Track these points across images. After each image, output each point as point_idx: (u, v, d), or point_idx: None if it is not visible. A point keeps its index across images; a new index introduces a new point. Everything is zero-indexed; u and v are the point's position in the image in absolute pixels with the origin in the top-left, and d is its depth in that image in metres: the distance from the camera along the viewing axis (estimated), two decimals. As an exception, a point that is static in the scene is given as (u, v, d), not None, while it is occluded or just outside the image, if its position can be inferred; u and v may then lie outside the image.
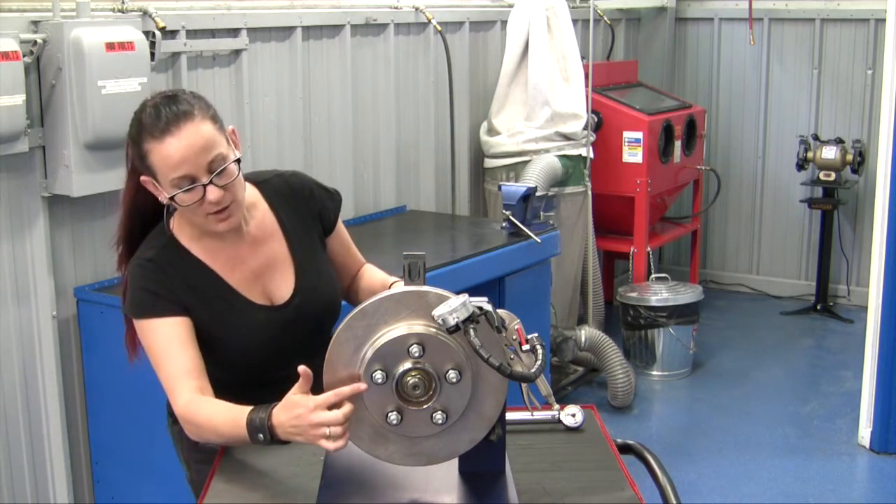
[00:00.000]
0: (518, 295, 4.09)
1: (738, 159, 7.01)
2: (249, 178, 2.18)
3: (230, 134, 2.06)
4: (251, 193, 2.16)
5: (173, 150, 1.93)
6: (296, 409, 1.77)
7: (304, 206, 2.21)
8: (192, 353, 2.01)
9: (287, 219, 2.19)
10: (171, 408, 2.08)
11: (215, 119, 2.01)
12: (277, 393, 1.85)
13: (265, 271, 2.14)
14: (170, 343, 2.00)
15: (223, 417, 1.90)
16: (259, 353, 2.10)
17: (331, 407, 1.73)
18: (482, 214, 5.41)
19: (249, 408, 1.86)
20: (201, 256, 2.09)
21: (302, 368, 1.79)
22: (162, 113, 1.95)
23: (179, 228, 2.10)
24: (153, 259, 2.05)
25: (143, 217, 2.13)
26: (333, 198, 2.29)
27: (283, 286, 2.15)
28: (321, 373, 1.78)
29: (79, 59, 3.09)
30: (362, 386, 1.71)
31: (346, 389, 1.72)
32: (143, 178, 2.02)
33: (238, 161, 2.01)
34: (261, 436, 1.82)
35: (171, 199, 1.97)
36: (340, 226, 2.31)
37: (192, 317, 2.03)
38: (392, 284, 2.19)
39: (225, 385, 2.03)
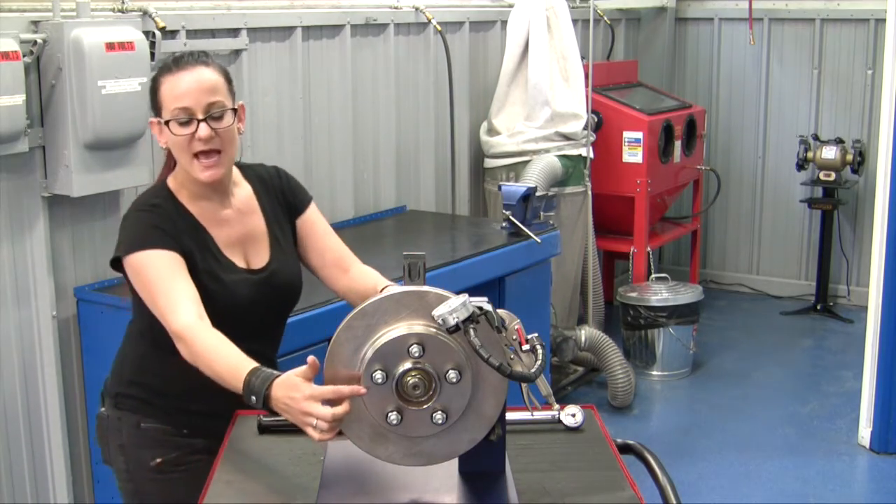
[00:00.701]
0: (518, 295, 4.09)
1: (738, 159, 7.01)
2: (236, 164, 2.35)
3: (240, 108, 2.25)
4: (236, 174, 2.35)
5: (180, 82, 2.14)
6: (293, 390, 1.79)
7: (276, 192, 2.38)
8: (194, 286, 2.11)
9: (265, 201, 2.36)
10: (114, 389, 2.31)
11: (227, 79, 2.23)
12: None
13: (246, 240, 2.30)
14: (175, 271, 2.10)
15: (226, 359, 1.96)
16: (234, 313, 2.20)
17: (327, 402, 1.75)
18: (482, 214, 5.41)
19: (252, 363, 1.91)
20: (195, 213, 2.24)
21: (311, 358, 1.80)
22: (185, 56, 2.20)
23: (175, 188, 2.25)
24: (158, 205, 2.20)
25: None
26: (305, 192, 2.45)
27: (259, 256, 2.31)
28: (265, 357, 2.03)
29: (79, 59, 3.09)
30: (362, 390, 1.72)
31: (345, 390, 1.73)
32: (150, 119, 2.22)
33: (235, 112, 2.21)
34: (253, 398, 1.86)
35: (167, 123, 2.14)
36: (316, 213, 2.44)
37: (188, 263, 2.15)
38: (383, 289, 2.20)
39: None
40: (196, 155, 2.16)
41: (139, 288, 2.15)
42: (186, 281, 2.11)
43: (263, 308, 2.29)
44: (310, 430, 1.77)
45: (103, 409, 2.38)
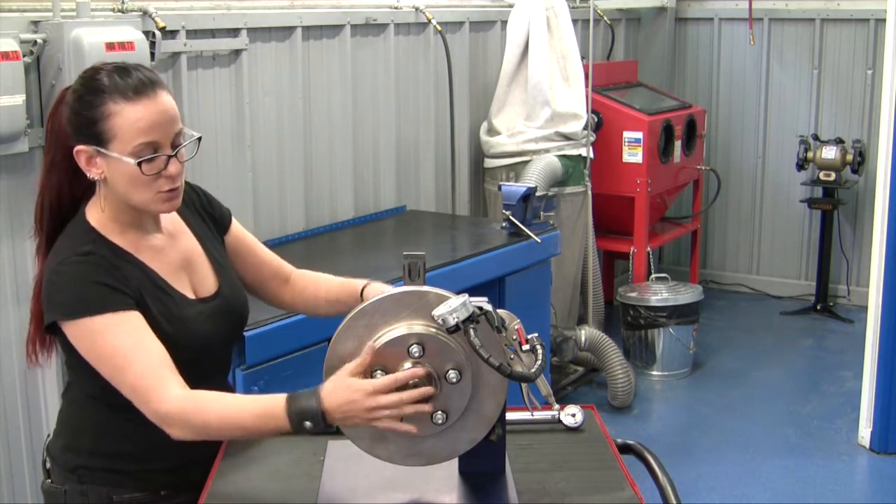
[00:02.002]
0: (518, 295, 4.09)
1: (738, 159, 7.01)
2: None
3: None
4: None
5: (146, 113, 1.85)
6: (349, 394, 1.71)
7: (199, 209, 2.15)
8: (162, 346, 1.86)
9: (191, 220, 2.13)
10: (72, 462, 2.00)
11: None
12: None
13: (186, 266, 2.05)
14: (141, 336, 1.84)
15: (245, 409, 1.79)
16: (196, 352, 1.97)
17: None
18: (482, 214, 5.41)
19: (276, 396, 1.76)
20: (130, 249, 1.95)
21: (369, 346, 1.73)
22: (133, 76, 1.87)
23: (100, 224, 1.95)
24: (93, 252, 1.89)
25: (61, 206, 2.00)
26: (223, 206, 2.22)
27: (205, 281, 2.07)
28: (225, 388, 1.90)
29: (79, 59, 3.08)
30: (420, 371, 1.70)
31: (402, 375, 1.70)
32: (78, 147, 1.88)
33: (199, 140, 1.95)
34: (308, 423, 1.72)
35: (139, 164, 1.84)
36: (238, 226, 2.23)
37: (141, 311, 1.90)
38: (364, 288, 2.11)
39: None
40: (158, 191, 1.90)
41: (93, 358, 1.85)
42: (155, 342, 1.84)
43: (221, 339, 2.07)
44: (387, 423, 1.71)
45: (51, 481, 2.07)
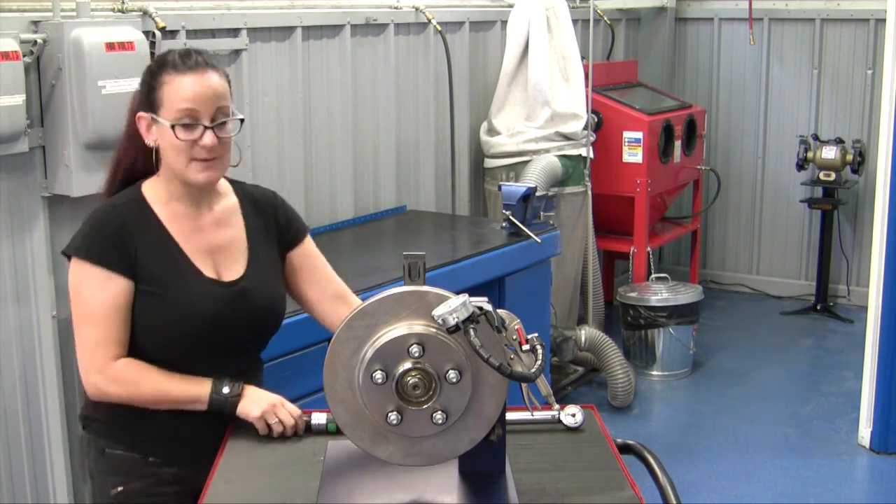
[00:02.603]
0: (518, 295, 4.09)
1: (738, 159, 7.01)
2: (228, 179, 2.28)
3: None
4: (225, 186, 2.26)
5: (190, 84, 2.05)
6: (268, 396, 2.10)
7: (268, 216, 2.28)
8: (126, 327, 2.08)
9: (252, 219, 2.26)
10: (82, 410, 2.23)
11: (229, 84, 2.15)
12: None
13: (220, 250, 2.19)
14: (117, 303, 2.07)
15: (172, 377, 2.08)
16: (195, 326, 2.10)
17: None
18: (482, 214, 5.41)
19: (203, 389, 2.09)
20: (164, 219, 2.14)
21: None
22: (192, 55, 2.10)
23: (150, 188, 2.17)
24: (118, 206, 2.13)
25: (133, 174, 2.21)
26: (300, 221, 2.36)
27: (233, 268, 2.19)
28: (248, 373, 2.14)
29: (79, 59, 3.09)
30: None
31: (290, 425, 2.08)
32: (139, 114, 2.11)
33: (241, 121, 2.13)
34: (226, 389, 2.07)
35: (172, 128, 2.04)
36: (311, 246, 2.34)
37: (137, 278, 2.08)
38: None
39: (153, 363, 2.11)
40: (193, 158, 2.08)
41: (72, 297, 2.11)
42: (122, 320, 2.07)
43: (231, 323, 2.14)
44: (274, 424, 2.05)
45: (85, 420, 2.27)
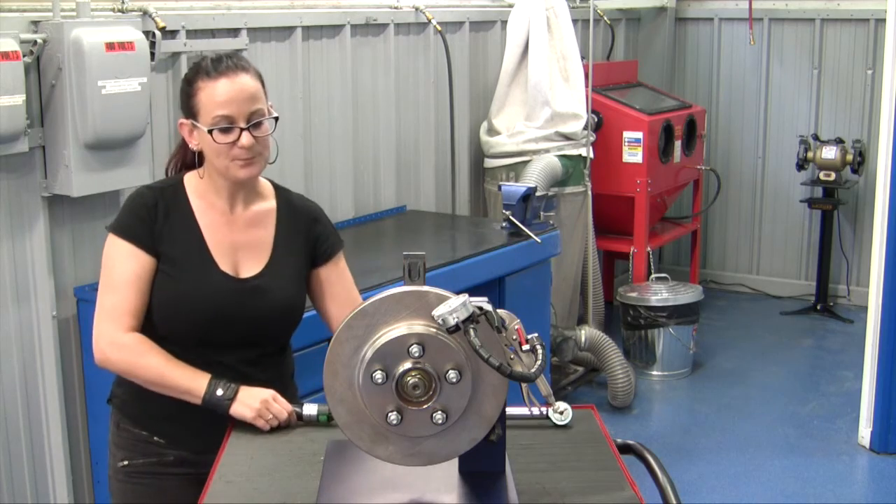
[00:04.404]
0: (518, 295, 4.09)
1: (738, 159, 7.01)
2: (273, 183, 2.36)
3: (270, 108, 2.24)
4: (267, 189, 2.33)
5: (223, 90, 2.12)
6: (260, 393, 2.10)
7: (303, 226, 2.32)
8: (143, 301, 2.17)
9: (283, 223, 2.30)
10: (114, 385, 2.31)
11: (263, 85, 2.21)
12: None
13: (243, 249, 2.25)
14: (139, 278, 2.16)
15: (175, 364, 2.12)
16: (198, 315, 2.18)
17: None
18: (482, 214, 5.42)
19: (200, 382, 2.12)
20: (196, 209, 2.23)
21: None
22: (223, 60, 2.16)
23: (191, 179, 2.26)
24: (155, 188, 2.24)
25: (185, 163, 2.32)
26: (336, 238, 2.38)
27: (252, 266, 2.25)
28: (255, 374, 2.17)
29: (79, 59, 3.09)
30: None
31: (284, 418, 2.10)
32: (180, 121, 2.20)
33: (276, 119, 2.20)
34: (220, 392, 2.09)
35: (210, 132, 2.11)
36: (342, 264, 2.37)
37: (160, 258, 2.17)
38: None
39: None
40: (233, 158, 2.15)
41: (102, 267, 2.20)
42: (140, 291, 2.16)
43: (233, 320, 2.20)
44: (264, 415, 2.07)
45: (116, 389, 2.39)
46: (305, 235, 2.31)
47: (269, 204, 2.30)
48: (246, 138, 2.12)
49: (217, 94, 2.12)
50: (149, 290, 2.17)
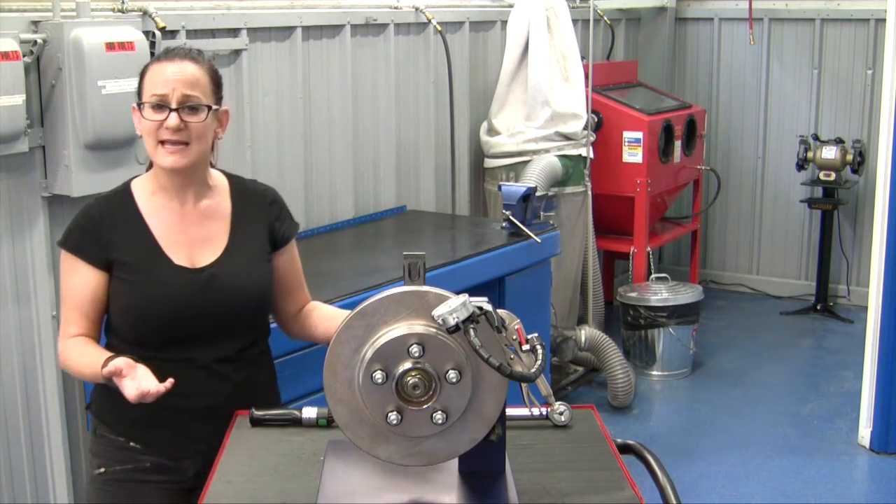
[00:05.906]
0: (518, 295, 4.09)
1: (738, 159, 7.01)
2: (226, 174, 2.36)
3: (223, 113, 2.26)
4: (220, 180, 2.33)
5: (164, 71, 2.16)
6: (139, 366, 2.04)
7: (260, 210, 2.33)
8: (88, 311, 2.20)
9: (239, 212, 2.31)
10: (93, 392, 2.32)
11: (214, 80, 2.22)
12: (174, 374, 2.03)
13: (199, 242, 2.25)
14: (84, 286, 2.19)
15: (90, 353, 2.14)
16: (162, 312, 2.17)
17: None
18: (482, 214, 5.41)
19: (100, 360, 2.08)
20: (145, 211, 2.24)
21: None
22: (178, 49, 2.23)
23: (140, 182, 2.28)
24: (101, 199, 2.27)
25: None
26: (292, 220, 2.40)
27: (209, 256, 2.25)
28: (230, 375, 2.18)
29: (79, 59, 3.09)
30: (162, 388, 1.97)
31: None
32: (133, 105, 2.22)
33: (210, 110, 2.18)
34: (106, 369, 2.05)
35: (139, 105, 2.16)
36: (294, 250, 2.40)
37: (112, 266, 2.19)
38: None
39: (126, 351, 2.13)
40: (162, 142, 2.16)
41: (61, 282, 2.27)
42: (87, 298, 2.19)
43: (197, 312, 2.20)
44: (128, 379, 1.99)
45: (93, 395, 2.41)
46: (264, 219, 2.33)
47: (223, 196, 2.31)
48: (172, 119, 2.13)
49: (157, 74, 2.16)
50: (100, 298, 2.20)
